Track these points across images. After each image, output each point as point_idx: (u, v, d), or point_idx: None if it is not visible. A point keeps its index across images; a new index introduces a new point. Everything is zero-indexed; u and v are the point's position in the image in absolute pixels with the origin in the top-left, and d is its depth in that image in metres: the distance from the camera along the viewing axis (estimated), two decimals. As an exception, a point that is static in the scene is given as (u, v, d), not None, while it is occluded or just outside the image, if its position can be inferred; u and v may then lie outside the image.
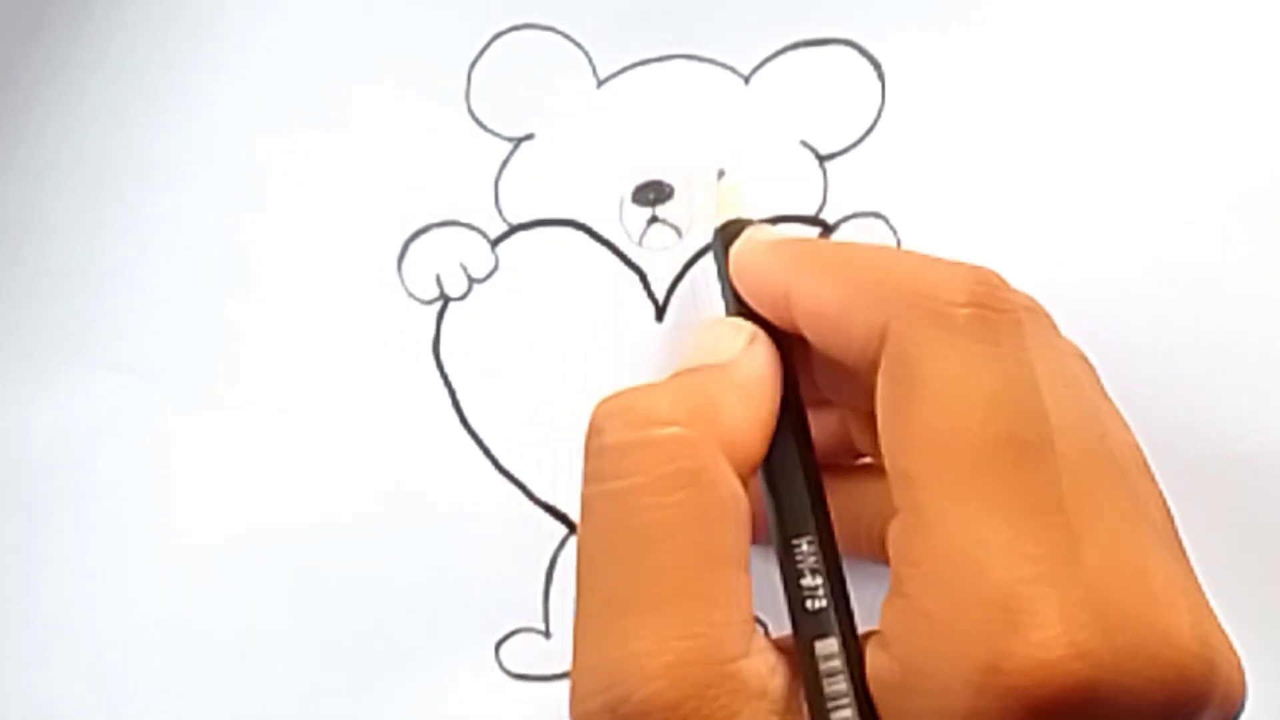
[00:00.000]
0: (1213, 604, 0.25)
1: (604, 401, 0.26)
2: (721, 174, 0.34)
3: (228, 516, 0.35)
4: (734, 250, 0.30)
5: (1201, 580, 0.25)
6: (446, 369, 0.35)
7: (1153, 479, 0.27)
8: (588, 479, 0.26)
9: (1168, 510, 0.27)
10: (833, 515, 0.28)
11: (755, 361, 0.28)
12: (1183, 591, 0.24)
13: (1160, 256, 0.33)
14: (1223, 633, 0.25)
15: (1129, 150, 0.33)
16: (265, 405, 0.35)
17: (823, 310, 0.27)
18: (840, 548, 0.28)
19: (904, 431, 0.25)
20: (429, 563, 0.34)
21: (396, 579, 0.34)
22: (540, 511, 0.34)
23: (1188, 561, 0.26)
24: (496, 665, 0.34)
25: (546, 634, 0.34)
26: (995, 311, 0.25)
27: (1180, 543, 0.26)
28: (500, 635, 0.34)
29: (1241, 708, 0.25)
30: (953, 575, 0.23)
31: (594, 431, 0.26)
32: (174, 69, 0.35)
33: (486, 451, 0.34)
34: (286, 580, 0.35)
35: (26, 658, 0.35)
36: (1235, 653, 0.25)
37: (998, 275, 0.26)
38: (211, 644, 0.35)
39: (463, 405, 0.35)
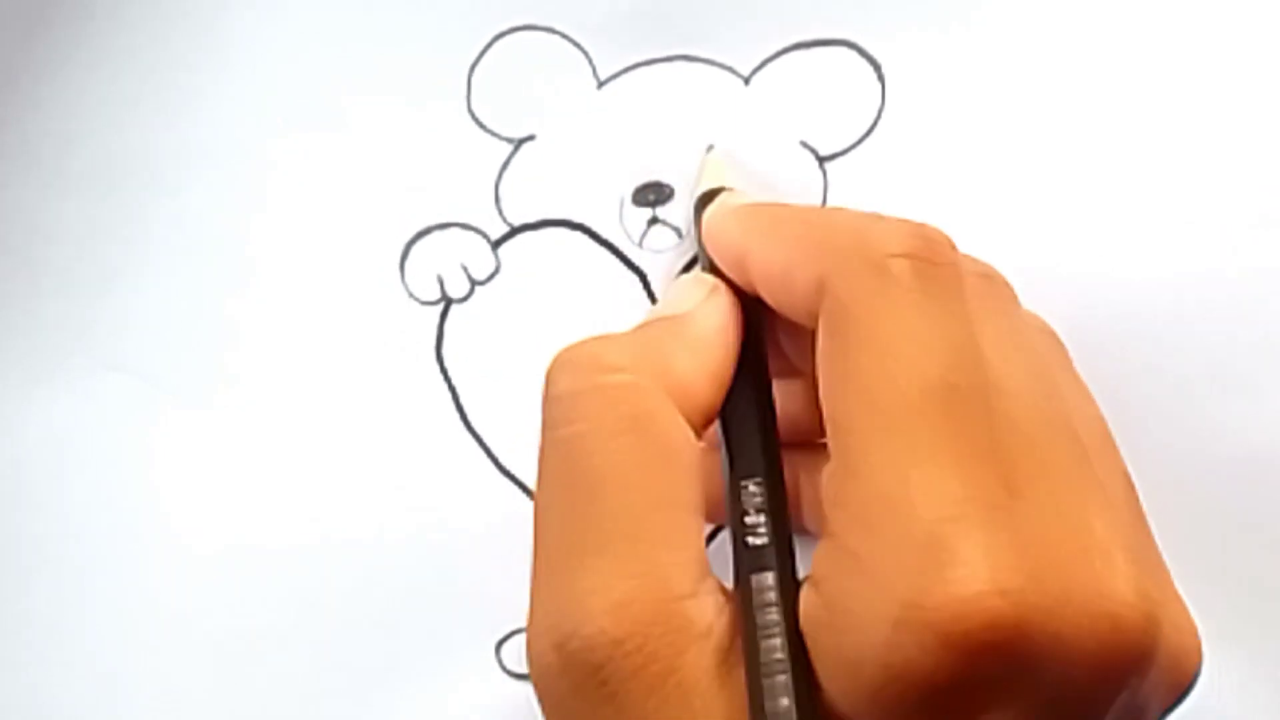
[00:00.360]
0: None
1: (558, 353, 0.27)
2: (710, 148, 0.34)
3: (228, 516, 0.35)
4: (704, 216, 0.31)
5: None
6: (449, 370, 0.35)
7: (1115, 452, 0.27)
8: (541, 428, 0.26)
9: (1129, 482, 0.27)
10: (804, 491, 0.28)
11: (711, 312, 0.28)
12: (1124, 549, 0.23)
13: (1161, 256, 0.33)
14: (1178, 599, 0.25)
15: (1130, 150, 0.33)
16: (266, 406, 0.35)
17: (770, 268, 0.27)
18: (810, 525, 0.28)
19: (837, 378, 0.25)
20: (430, 563, 0.34)
21: (398, 579, 0.34)
22: (541, 511, 0.34)
23: (1146, 532, 0.26)
24: (497, 665, 0.34)
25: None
26: (931, 264, 0.25)
27: (1141, 516, 0.26)
28: (501, 635, 0.34)
29: (1195, 678, 0.25)
30: (876, 515, 0.23)
31: (547, 381, 0.26)
32: (176, 70, 0.35)
33: (488, 452, 0.34)
34: (287, 580, 0.35)
35: (25, 658, 0.35)
36: (1190, 620, 0.25)
37: (940, 231, 0.26)
38: (211, 644, 0.35)
39: (465, 406, 0.35)
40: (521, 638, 0.34)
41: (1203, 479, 0.32)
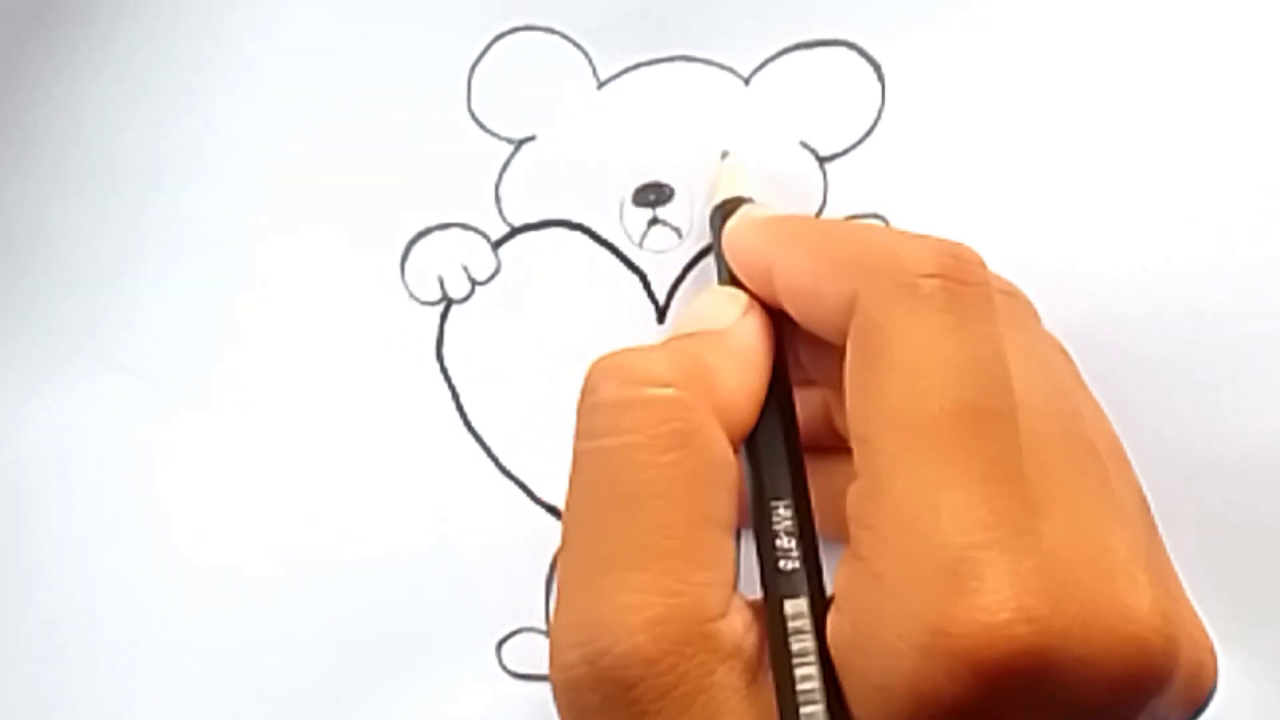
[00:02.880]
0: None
1: (599, 360, 0.27)
2: (725, 154, 0.34)
3: (227, 517, 0.35)
4: (726, 228, 0.31)
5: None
6: (449, 370, 0.35)
7: (1129, 468, 0.27)
8: (580, 435, 0.26)
9: (1144, 500, 0.27)
10: (816, 497, 0.28)
11: (749, 330, 0.28)
12: (1145, 569, 0.24)
13: (1163, 256, 0.33)
14: (1194, 615, 0.25)
15: (1131, 150, 0.33)
16: (266, 407, 0.35)
17: (799, 283, 0.27)
18: (822, 530, 0.28)
19: (865, 398, 0.25)
20: (431, 562, 0.34)
21: (398, 579, 0.34)
22: (542, 512, 0.34)
23: (1161, 548, 0.26)
24: (498, 665, 0.34)
25: (548, 634, 0.34)
26: (963, 285, 0.25)
27: (1156, 532, 0.27)
28: (502, 635, 0.34)
29: (1212, 691, 0.25)
30: (904, 538, 0.23)
31: (589, 389, 0.26)
32: (176, 71, 0.35)
33: (489, 452, 0.34)
34: (287, 580, 0.35)
35: (25, 658, 0.35)
36: (1206, 636, 0.25)
37: (971, 250, 0.26)
38: (212, 644, 0.35)
39: (465, 406, 0.35)
40: (522, 638, 0.34)
41: (1206, 479, 0.32)
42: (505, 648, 0.34)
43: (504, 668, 0.34)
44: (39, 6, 0.35)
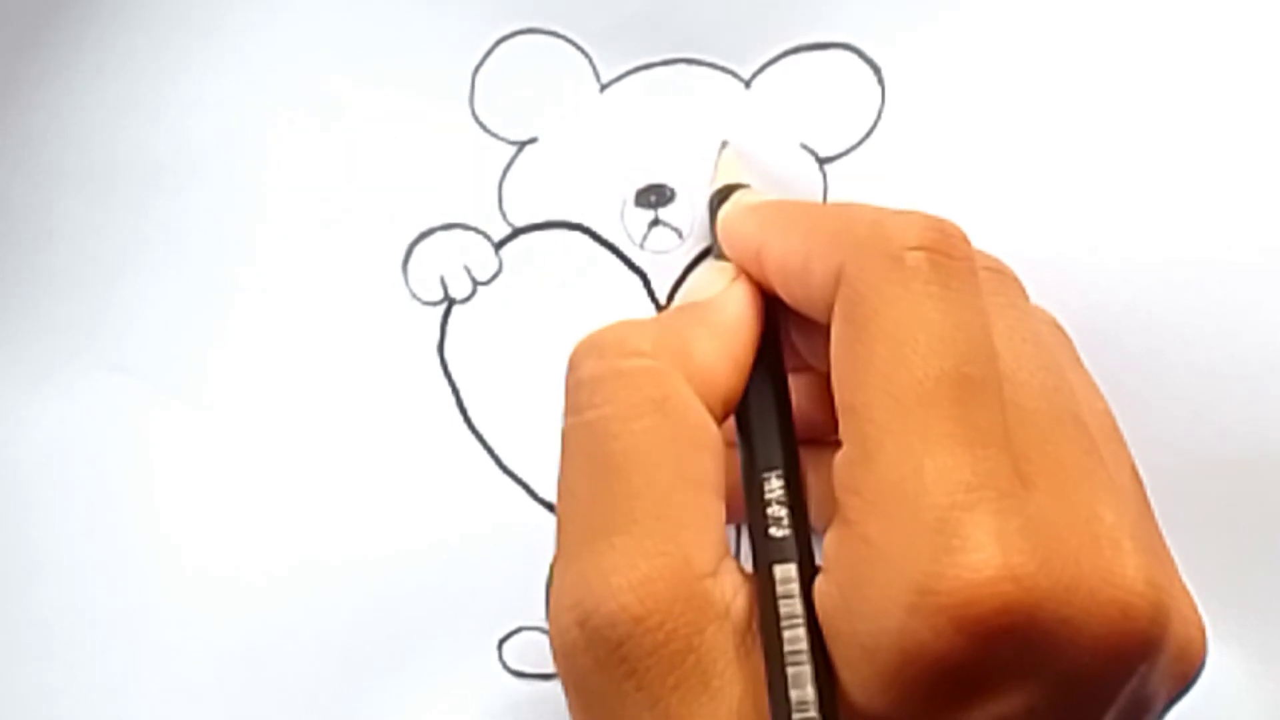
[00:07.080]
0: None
1: (582, 339, 0.27)
2: (724, 145, 0.34)
3: (227, 517, 0.35)
4: (720, 213, 0.31)
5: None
6: (451, 370, 0.35)
7: (1122, 444, 0.28)
8: (565, 412, 0.27)
9: (1136, 477, 0.27)
10: (813, 488, 0.28)
11: (733, 299, 0.29)
12: (1133, 538, 0.24)
13: (1164, 255, 0.33)
14: (1184, 591, 0.25)
15: (1131, 151, 0.33)
16: (268, 406, 0.35)
17: (788, 263, 0.28)
18: (814, 522, 0.28)
19: (852, 367, 0.25)
20: (433, 561, 0.34)
21: (399, 577, 0.35)
22: (543, 510, 0.34)
23: (1153, 524, 0.26)
24: (499, 663, 0.34)
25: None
26: (948, 257, 0.25)
27: (1148, 508, 0.27)
28: (503, 634, 0.34)
29: (1201, 668, 0.25)
30: (890, 501, 0.23)
31: (572, 366, 0.27)
32: (179, 72, 0.35)
33: (490, 452, 0.35)
34: (288, 580, 0.35)
35: (25, 657, 0.35)
36: (1196, 612, 0.25)
37: (956, 226, 0.26)
38: (211, 642, 0.35)
39: (467, 406, 0.35)
40: (523, 636, 0.34)
41: (1205, 473, 0.32)
42: (506, 646, 0.34)
43: (505, 666, 0.34)
44: (39, 6, 0.35)
